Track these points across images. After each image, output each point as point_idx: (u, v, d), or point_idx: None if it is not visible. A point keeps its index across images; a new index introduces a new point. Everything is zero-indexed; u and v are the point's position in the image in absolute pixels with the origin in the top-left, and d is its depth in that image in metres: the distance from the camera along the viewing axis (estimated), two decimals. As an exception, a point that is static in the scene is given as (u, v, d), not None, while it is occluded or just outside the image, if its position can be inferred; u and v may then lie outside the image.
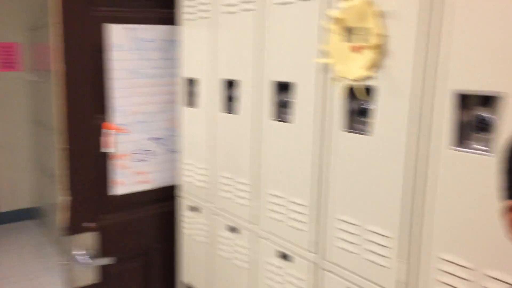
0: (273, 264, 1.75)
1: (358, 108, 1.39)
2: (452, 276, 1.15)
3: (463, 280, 1.12)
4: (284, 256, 1.69)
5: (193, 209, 2.20)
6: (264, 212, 1.77)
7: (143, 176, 2.22)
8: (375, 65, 1.27)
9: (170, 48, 2.22)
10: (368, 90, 1.32)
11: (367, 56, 1.29)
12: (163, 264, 2.42)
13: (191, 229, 2.24)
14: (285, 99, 1.65)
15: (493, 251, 1.06)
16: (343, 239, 1.44)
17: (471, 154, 1.09)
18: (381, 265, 1.32)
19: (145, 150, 2.20)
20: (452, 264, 1.14)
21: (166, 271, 2.43)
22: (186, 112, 2.18)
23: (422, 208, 1.21)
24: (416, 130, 1.20)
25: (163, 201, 2.34)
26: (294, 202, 1.62)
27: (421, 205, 1.21)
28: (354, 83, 1.35)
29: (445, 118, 1.12)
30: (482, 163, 1.06)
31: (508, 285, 1.02)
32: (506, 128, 1.01)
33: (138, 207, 2.27)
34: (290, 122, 1.60)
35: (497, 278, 1.05)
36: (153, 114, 2.21)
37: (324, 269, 1.53)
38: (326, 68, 1.44)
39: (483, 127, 1.07)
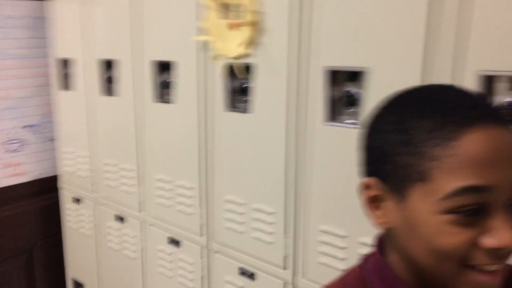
0: (163, 251, 1.70)
1: (239, 87, 1.38)
2: (330, 246, 1.19)
3: (340, 249, 1.17)
4: (175, 242, 1.65)
5: (77, 200, 2.05)
6: (152, 198, 1.70)
7: (16, 168, 2.01)
8: (252, 43, 1.26)
9: (40, 26, 2.01)
10: (247, 68, 1.31)
11: (244, 33, 1.27)
12: (49, 261, 2.25)
13: (76, 222, 2.09)
14: (167, 79, 1.58)
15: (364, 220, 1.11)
16: (230, 220, 1.44)
17: (342, 128, 1.13)
18: (268, 242, 1.34)
19: (18, 139, 2.00)
20: (329, 234, 1.19)
21: (53, 268, 2.26)
22: (62, 96, 2.00)
23: (302, 182, 1.23)
24: (293, 107, 1.21)
25: (44, 194, 2.16)
26: (181, 186, 1.57)
27: (302, 180, 1.23)
28: (234, 61, 1.32)
29: (318, 94, 1.15)
30: (352, 136, 1.10)
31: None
32: (370, 102, 1.05)
33: (14, 203, 2.06)
34: (173, 103, 1.54)
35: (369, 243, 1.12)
36: (24, 99, 2.00)
37: (214, 251, 1.52)
38: (205, 46, 1.40)
39: (352, 102, 1.11)
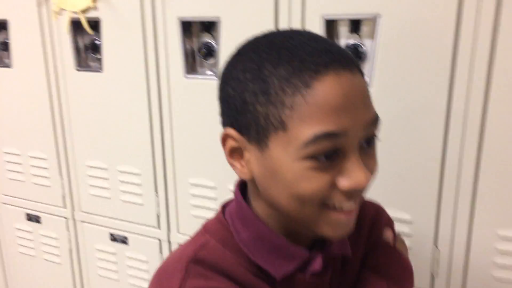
0: (22, 230, 1.55)
1: (91, 44, 1.28)
2: (202, 198, 1.21)
3: (211, 199, 1.20)
4: (34, 218, 1.52)
5: None
6: (3, 173, 1.53)
7: None
8: (100, -6, 1.17)
9: None
10: (97, 23, 1.22)
11: (89, -16, 1.17)
12: None
13: None
14: (5, 40, 1.39)
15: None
16: (95, 186, 1.37)
17: (203, 80, 1.13)
18: (139, 204, 1.31)
19: None
20: (200, 187, 1.21)
21: None
22: None
23: (168, 139, 1.22)
24: (153, 62, 1.17)
25: None
26: (35, 157, 1.44)
27: (167, 136, 1.21)
28: (80, 15, 1.21)
29: (176, 47, 1.12)
30: (214, 88, 1.11)
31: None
32: (225, 52, 1.07)
33: None
34: (11, 67, 1.38)
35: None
36: None
37: (81, 221, 1.44)
38: (45, 0, 1.26)
39: (211, 53, 1.11)
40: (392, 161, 0.96)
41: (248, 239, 0.59)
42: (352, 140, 0.50)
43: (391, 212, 0.77)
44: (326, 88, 0.49)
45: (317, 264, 0.60)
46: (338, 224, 0.54)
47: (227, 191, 1.17)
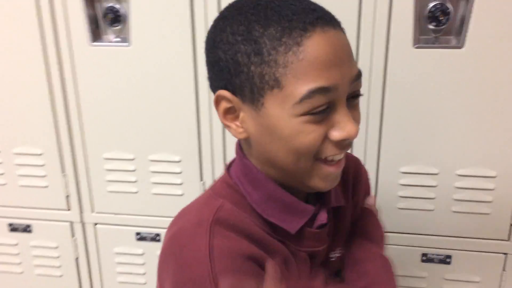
0: None
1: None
2: (119, 172, 1.17)
3: (130, 172, 1.17)
4: None
5: None
6: None
7: None
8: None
9: None
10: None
11: None
12: None
13: None
14: None
15: (149, 138, 1.13)
16: (-14, 174, 1.22)
17: (109, 47, 1.07)
18: (43, 186, 1.21)
19: None
20: (116, 160, 1.16)
21: None
22: None
23: (73, 113, 1.13)
24: (50, 30, 1.06)
25: None
26: None
27: (72, 110, 1.13)
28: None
29: (78, 13, 1.04)
30: (121, 55, 1.06)
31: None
32: (135, 16, 1.03)
33: None
34: None
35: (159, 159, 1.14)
36: None
37: (-31, 215, 1.28)
38: None
39: (117, 18, 1.06)
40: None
41: (260, 200, 0.61)
42: (341, 94, 0.54)
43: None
44: (315, 45, 0.51)
45: (323, 217, 0.64)
46: (329, 175, 0.59)
47: (147, 162, 1.14)
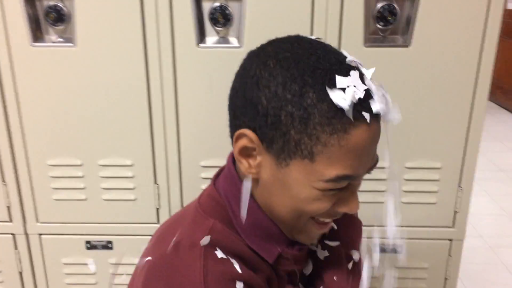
0: None
1: None
2: (66, 179, 1.11)
3: (78, 178, 1.11)
4: None
5: None
6: None
7: None
8: None
9: None
10: None
11: None
12: None
13: None
14: None
15: (99, 143, 1.08)
16: None
17: (50, 48, 1.01)
18: None
19: None
20: (63, 166, 1.10)
21: None
22: None
23: (13, 115, 1.06)
24: (-20, 29, 0.98)
25: None
26: None
27: (12, 113, 1.06)
28: None
29: (17, 12, 0.97)
30: (63, 55, 1.01)
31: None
32: (80, 15, 0.98)
33: None
34: None
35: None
36: None
37: None
38: None
39: (59, 18, 1.00)
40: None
41: (246, 225, 0.61)
42: (359, 179, 0.57)
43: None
44: (358, 136, 0.52)
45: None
46: (315, 234, 0.63)
47: (97, 167, 1.09)
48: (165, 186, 1.11)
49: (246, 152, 0.57)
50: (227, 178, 0.63)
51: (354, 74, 0.53)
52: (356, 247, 0.78)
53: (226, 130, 1.07)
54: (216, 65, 1.00)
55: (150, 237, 1.11)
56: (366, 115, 0.52)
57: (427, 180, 1.08)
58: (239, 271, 0.57)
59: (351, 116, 0.51)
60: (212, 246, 0.57)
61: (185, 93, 1.03)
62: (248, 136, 0.56)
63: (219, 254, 0.57)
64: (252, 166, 0.57)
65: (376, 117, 0.54)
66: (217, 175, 0.66)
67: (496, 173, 3.24)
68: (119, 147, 1.08)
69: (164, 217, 1.13)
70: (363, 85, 0.53)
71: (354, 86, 0.52)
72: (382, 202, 1.09)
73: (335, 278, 0.71)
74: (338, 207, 0.58)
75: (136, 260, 1.12)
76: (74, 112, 1.05)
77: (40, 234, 1.16)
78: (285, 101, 0.52)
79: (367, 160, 0.56)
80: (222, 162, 1.05)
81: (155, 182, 1.11)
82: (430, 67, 0.99)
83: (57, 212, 1.13)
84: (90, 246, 1.16)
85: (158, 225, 1.11)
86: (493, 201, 2.83)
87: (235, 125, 0.58)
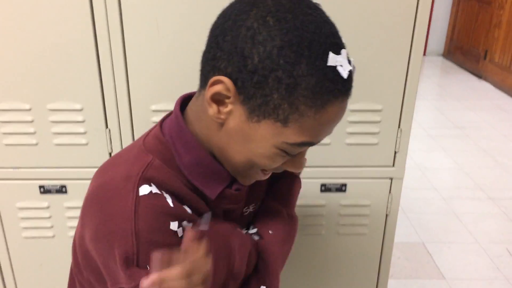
0: None
1: None
2: (15, 124, 1.11)
3: (28, 123, 1.11)
4: None
5: None
6: None
7: None
8: None
9: None
10: None
11: None
12: None
13: None
14: None
15: (48, 86, 1.08)
16: None
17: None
18: None
19: None
20: (12, 111, 1.10)
21: None
22: None
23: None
24: None
25: None
26: None
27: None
28: None
29: None
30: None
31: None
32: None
33: None
34: None
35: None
36: None
37: None
38: None
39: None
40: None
41: (189, 163, 0.63)
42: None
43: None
44: (332, 112, 0.56)
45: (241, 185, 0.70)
46: (256, 179, 0.67)
47: (46, 112, 1.10)
48: (116, 130, 1.12)
49: (218, 98, 0.58)
50: (173, 122, 0.65)
51: (343, 53, 0.55)
52: (294, 204, 0.83)
53: (176, 74, 1.10)
54: (162, 5, 1.01)
55: None
56: (345, 95, 0.56)
57: (369, 122, 1.13)
58: (171, 205, 0.59)
59: (333, 94, 0.55)
60: (147, 180, 0.59)
61: (132, 36, 1.04)
62: (226, 84, 0.56)
63: (154, 189, 0.59)
64: (221, 112, 0.59)
65: (348, 95, 0.58)
66: (164, 119, 0.68)
67: (452, 130, 3.37)
68: (68, 91, 1.08)
69: None
70: (349, 65, 0.56)
71: (341, 66, 0.54)
72: (328, 144, 1.15)
73: (270, 232, 0.76)
74: (286, 165, 0.63)
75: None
76: (20, 55, 1.04)
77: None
78: (277, 66, 0.53)
79: (330, 131, 0.60)
80: (172, 106, 1.09)
81: (106, 127, 1.12)
82: (369, 11, 1.03)
83: (9, 157, 1.14)
84: (44, 190, 1.17)
85: None
86: (449, 156, 2.96)
87: (212, 66, 0.58)
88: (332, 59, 0.54)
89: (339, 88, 0.55)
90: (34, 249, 1.23)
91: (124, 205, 0.57)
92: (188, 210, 0.62)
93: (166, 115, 0.70)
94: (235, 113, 0.58)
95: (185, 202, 0.62)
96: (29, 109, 1.10)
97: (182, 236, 0.58)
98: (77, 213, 1.14)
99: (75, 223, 1.20)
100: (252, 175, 0.66)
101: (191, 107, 0.66)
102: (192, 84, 1.03)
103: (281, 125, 0.56)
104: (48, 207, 1.19)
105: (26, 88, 1.08)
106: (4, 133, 1.12)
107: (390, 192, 1.20)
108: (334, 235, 1.24)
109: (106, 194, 0.59)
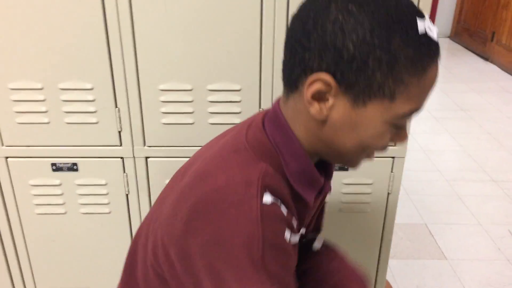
0: None
1: None
2: (28, 103, 1.14)
3: (40, 102, 1.14)
4: None
5: None
6: None
7: None
8: None
9: None
10: None
11: None
12: None
13: None
14: None
15: (61, 65, 1.11)
16: None
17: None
18: None
19: None
20: (24, 90, 1.13)
21: None
22: None
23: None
24: None
25: None
26: None
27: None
28: None
29: None
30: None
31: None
32: None
33: None
34: None
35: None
36: None
37: None
38: None
39: None
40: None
41: (295, 171, 0.65)
42: None
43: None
44: (432, 75, 0.58)
45: (327, 187, 0.73)
46: (361, 163, 0.68)
47: (57, 91, 1.12)
48: (125, 109, 1.15)
49: (318, 96, 0.60)
50: (276, 125, 0.66)
51: (427, 16, 0.58)
52: None
53: (184, 53, 1.11)
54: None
55: (113, 158, 1.19)
56: (439, 54, 0.59)
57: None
58: (285, 214, 0.61)
59: (430, 56, 0.57)
60: (267, 187, 0.60)
61: (141, 15, 1.05)
62: (325, 80, 0.58)
63: (272, 197, 0.60)
64: (323, 108, 0.60)
65: (440, 56, 0.60)
66: (262, 122, 0.67)
67: (457, 113, 3.37)
68: (78, 70, 1.10)
69: (126, 139, 1.18)
70: (434, 26, 0.58)
71: (429, 29, 0.57)
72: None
73: None
74: (395, 139, 0.64)
75: (99, 181, 1.19)
76: (33, 35, 1.07)
77: (7, 158, 1.20)
78: (373, 46, 0.55)
79: (430, 94, 0.61)
80: (180, 85, 1.08)
81: (116, 106, 1.15)
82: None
83: (21, 135, 1.17)
84: (56, 168, 1.21)
85: (120, 148, 1.18)
86: (453, 139, 2.97)
87: (303, 69, 0.59)
88: (421, 25, 0.56)
89: (433, 49, 0.58)
90: (47, 225, 1.27)
91: (248, 210, 0.57)
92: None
93: (263, 114, 0.69)
94: (338, 105, 0.60)
95: (288, 207, 0.63)
96: (41, 88, 1.12)
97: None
98: (88, 190, 1.22)
99: (85, 200, 1.24)
100: (362, 158, 0.67)
101: (284, 114, 0.67)
102: (201, 63, 1.05)
103: (389, 101, 0.58)
104: (60, 184, 1.23)
105: (38, 68, 1.10)
106: (17, 112, 1.15)
107: (392, 171, 1.22)
108: (337, 212, 1.27)
109: (227, 199, 0.59)
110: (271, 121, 0.67)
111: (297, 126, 0.65)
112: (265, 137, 0.65)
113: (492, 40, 4.35)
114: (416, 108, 0.60)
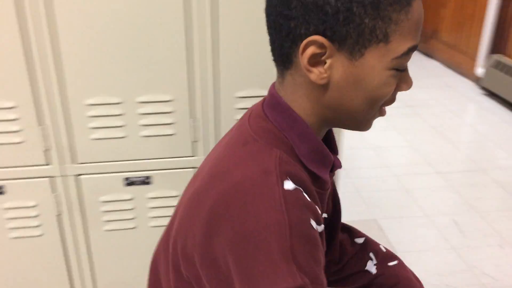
0: None
1: None
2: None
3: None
4: None
5: None
6: None
7: None
8: None
9: None
10: None
11: None
12: None
13: None
14: None
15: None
16: None
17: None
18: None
19: None
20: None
21: None
22: None
23: None
24: None
25: None
26: None
27: None
28: None
29: None
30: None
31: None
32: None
33: None
34: None
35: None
36: None
37: None
38: None
39: None
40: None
41: (307, 151, 0.62)
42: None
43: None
44: (417, 6, 0.57)
45: (338, 162, 0.70)
46: (373, 122, 0.66)
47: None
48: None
49: (314, 60, 0.58)
50: (277, 110, 0.64)
51: None
52: None
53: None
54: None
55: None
56: None
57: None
58: (308, 199, 0.58)
59: None
60: (285, 173, 0.58)
61: (66, 28, 1.02)
62: (317, 41, 0.56)
63: (293, 183, 0.58)
64: (322, 72, 0.58)
65: None
66: (263, 111, 0.65)
67: (403, 109, 3.47)
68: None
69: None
70: None
71: None
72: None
73: None
74: (400, 87, 0.62)
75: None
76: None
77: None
78: None
79: (421, 26, 0.60)
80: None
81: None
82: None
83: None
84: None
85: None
86: (399, 135, 3.05)
87: (292, 39, 0.58)
88: None
89: None
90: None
91: (271, 198, 0.55)
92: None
93: (261, 103, 0.67)
94: (336, 64, 0.58)
95: (312, 197, 0.61)
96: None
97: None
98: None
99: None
100: (373, 116, 0.65)
101: (283, 96, 0.65)
102: (129, 75, 1.02)
103: (384, 44, 0.57)
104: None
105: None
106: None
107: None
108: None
109: (247, 192, 0.56)
110: (271, 107, 0.65)
111: (299, 103, 0.63)
112: (270, 123, 0.63)
113: (433, 37, 4.51)
114: (413, 44, 0.58)
